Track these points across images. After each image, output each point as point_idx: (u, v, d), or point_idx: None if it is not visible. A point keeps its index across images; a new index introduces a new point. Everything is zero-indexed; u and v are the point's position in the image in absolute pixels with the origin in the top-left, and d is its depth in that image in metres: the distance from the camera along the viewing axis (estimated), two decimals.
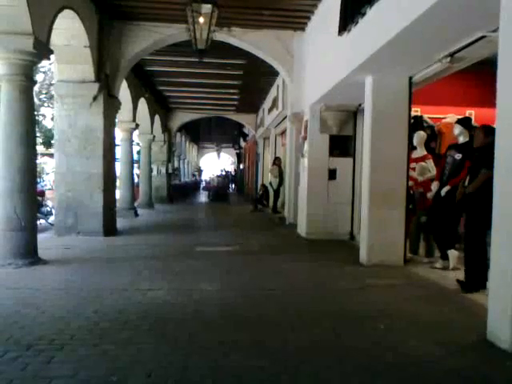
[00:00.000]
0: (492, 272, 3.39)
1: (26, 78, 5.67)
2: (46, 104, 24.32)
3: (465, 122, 6.09)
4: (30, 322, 3.63)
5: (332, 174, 8.65)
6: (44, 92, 23.40)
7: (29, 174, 5.78)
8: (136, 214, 12.34)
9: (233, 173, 34.35)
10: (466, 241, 5.00)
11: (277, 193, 13.58)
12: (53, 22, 6.10)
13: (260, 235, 9.20)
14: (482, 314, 3.61)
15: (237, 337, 3.45)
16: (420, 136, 6.78)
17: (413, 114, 6.67)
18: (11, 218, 5.64)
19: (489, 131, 4.90)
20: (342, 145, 8.68)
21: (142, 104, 13.52)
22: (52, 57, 7.18)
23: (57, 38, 7.17)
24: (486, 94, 5.26)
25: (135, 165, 15.16)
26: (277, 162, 13.65)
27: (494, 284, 3.39)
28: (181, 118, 19.35)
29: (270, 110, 14.36)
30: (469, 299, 4.56)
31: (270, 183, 13.97)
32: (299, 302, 4.46)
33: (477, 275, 4.75)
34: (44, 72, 22.75)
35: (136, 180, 15.26)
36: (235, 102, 17.23)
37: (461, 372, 2.93)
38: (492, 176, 3.47)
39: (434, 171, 6.50)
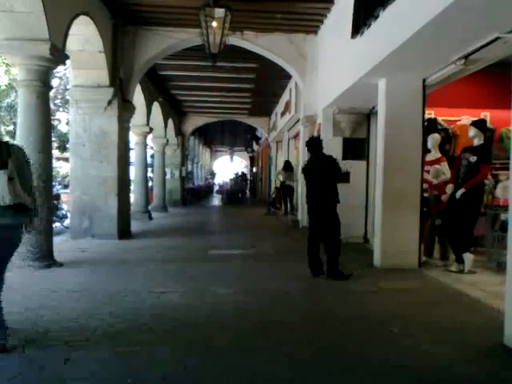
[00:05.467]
0: (509, 276, 3.35)
1: (42, 84, 5.76)
2: (61, 109, 24.59)
3: (480, 124, 6.03)
4: (46, 324, 3.68)
5: (345, 177, 8.62)
6: (59, 97, 23.64)
7: (45, 177, 5.86)
8: (150, 217, 12.43)
9: (248, 175, 33.93)
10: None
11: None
12: (69, 28, 6.20)
13: (273, 238, 9.20)
14: (498, 319, 3.56)
15: (251, 340, 3.45)
16: (434, 138, 6.72)
17: (427, 116, 6.63)
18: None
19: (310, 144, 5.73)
20: (356, 148, 8.67)
21: (156, 108, 13.62)
22: (67, 62, 7.28)
23: (72, 44, 7.28)
24: (502, 96, 5.22)
25: (149, 168, 15.29)
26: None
27: (510, 288, 3.34)
28: (194, 121, 19.46)
29: (283, 113, 14.36)
30: (484, 303, 4.51)
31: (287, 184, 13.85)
32: (313, 305, 4.46)
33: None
34: (59, 77, 23.02)
35: (150, 183, 15.37)
36: (248, 106, 17.27)
37: (476, 377, 2.89)
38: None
39: (448, 174, 6.44)
